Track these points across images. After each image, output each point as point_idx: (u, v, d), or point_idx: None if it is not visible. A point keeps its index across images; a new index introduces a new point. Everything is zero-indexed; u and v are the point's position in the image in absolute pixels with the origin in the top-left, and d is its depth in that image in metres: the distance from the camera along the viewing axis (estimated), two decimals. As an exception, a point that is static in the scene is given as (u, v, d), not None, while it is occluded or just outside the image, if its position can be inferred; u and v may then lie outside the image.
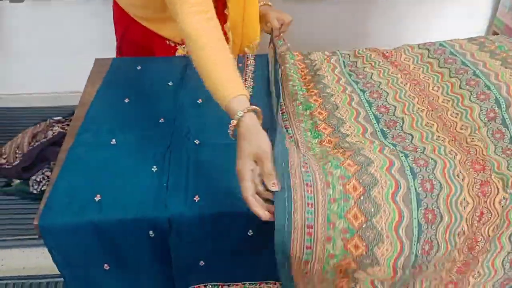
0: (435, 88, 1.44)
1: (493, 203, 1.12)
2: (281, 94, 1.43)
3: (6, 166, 2.21)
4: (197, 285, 1.21)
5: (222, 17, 1.58)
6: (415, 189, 1.07)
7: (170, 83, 1.47)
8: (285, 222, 1.00)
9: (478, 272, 1.24)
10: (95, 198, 1.06)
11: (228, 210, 1.08)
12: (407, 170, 1.10)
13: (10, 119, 2.50)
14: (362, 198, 1.05)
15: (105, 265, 1.12)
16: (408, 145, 1.22)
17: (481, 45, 1.54)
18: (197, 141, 1.25)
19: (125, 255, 1.11)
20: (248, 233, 1.11)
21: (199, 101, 1.40)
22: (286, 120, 1.34)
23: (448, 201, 1.10)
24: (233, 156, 1.21)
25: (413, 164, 1.12)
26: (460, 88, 1.39)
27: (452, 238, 1.14)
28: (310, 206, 1.03)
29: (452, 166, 1.14)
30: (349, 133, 1.26)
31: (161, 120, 1.31)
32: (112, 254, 1.10)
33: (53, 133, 2.29)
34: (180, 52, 1.59)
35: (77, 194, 1.08)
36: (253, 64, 1.59)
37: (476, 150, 1.21)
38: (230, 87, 1.09)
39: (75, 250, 1.08)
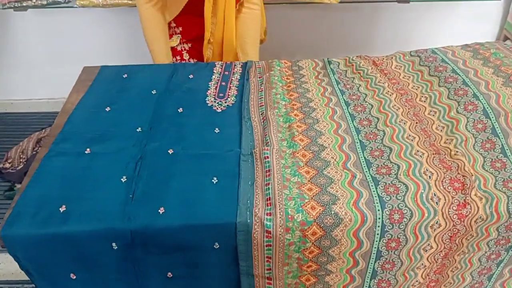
0: (423, 99, 1.39)
1: (470, 223, 1.08)
2: (263, 104, 1.43)
3: (11, 170, 2.25)
4: (168, 297, 1.19)
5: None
6: (382, 221, 1.07)
7: (154, 91, 1.46)
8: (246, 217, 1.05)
9: (455, 267, 1.22)
10: (60, 209, 1.06)
11: (194, 222, 1.06)
12: (376, 202, 1.09)
13: (17, 124, 2.55)
14: (322, 240, 1.06)
15: (72, 274, 1.11)
16: (384, 162, 1.19)
17: (475, 52, 1.49)
18: (171, 151, 1.24)
19: (91, 266, 1.10)
20: (215, 246, 1.09)
21: (180, 110, 1.39)
22: (266, 128, 1.32)
23: (417, 227, 1.07)
24: (206, 167, 1.21)
25: (383, 193, 1.11)
26: (448, 98, 1.34)
27: (417, 254, 1.12)
28: (268, 215, 1.05)
29: (425, 189, 1.10)
30: (326, 145, 1.24)
31: (139, 129, 1.31)
32: (78, 265, 1.10)
33: (57, 138, 2.32)
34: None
35: (44, 204, 1.07)
36: (240, 72, 1.57)
37: (458, 165, 1.17)
38: None
39: (40, 259, 1.08)
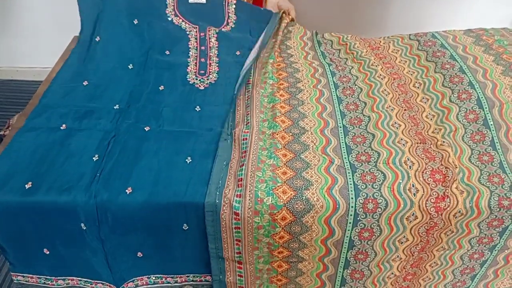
0: (416, 85, 1.33)
1: (448, 217, 1.03)
2: (250, 82, 1.39)
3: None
4: (140, 277, 1.19)
5: None
6: (355, 210, 1.03)
7: (131, 66, 1.42)
8: (215, 198, 1.03)
9: (435, 262, 1.19)
10: (26, 186, 1.05)
11: (162, 202, 1.05)
12: (351, 189, 1.05)
13: (21, 92, 2.56)
14: (292, 225, 1.04)
15: (45, 249, 1.11)
16: (365, 150, 1.15)
17: (478, 38, 1.42)
18: (147, 128, 1.22)
19: (63, 243, 1.10)
20: (184, 227, 1.07)
21: (161, 88, 1.36)
22: (248, 107, 1.28)
23: (392, 218, 1.03)
24: (181, 145, 1.18)
25: (359, 181, 1.07)
26: (443, 85, 1.28)
27: (392, 246, 1.09)
28: (238, 197, 1.04)
29: (403, 180, 1.06)
30: (308, 129, 1.20)
31: (116, 106, 1.28)
32: (50, 241, 1.10)
33: (59, 108, 2.32)
34: None
35: (12, 179, 1.07)
36: (216, 46, 1.52)
37: (443, 156, 1.12)
38: None
39: (11, 232, 1.08)
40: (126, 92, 1.32)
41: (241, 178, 1.06)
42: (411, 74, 1.36)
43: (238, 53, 1.49)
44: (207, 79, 1.39)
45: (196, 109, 1.28)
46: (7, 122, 2.27)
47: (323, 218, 1.02)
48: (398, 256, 1.12)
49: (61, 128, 1.20)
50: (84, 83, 1.34)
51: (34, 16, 2.43)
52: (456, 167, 1.09)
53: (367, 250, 1.08)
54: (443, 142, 1.15)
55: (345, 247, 1.07)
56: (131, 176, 1.08)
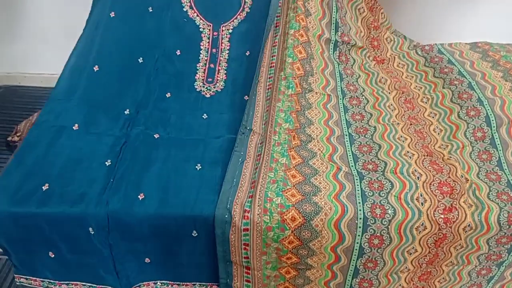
0: (424, 100, 1.35)
1: (458, 230, 1.04)
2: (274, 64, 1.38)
3: (19, 144, 2.27)
4: (146, 282, 1.20)
5: None
6: (364, 214, 1.04)
7: (141, 60, 1.43)
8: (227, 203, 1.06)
9: (443, 278, 1.19)
10: (43, 187, 1.07)
11: (173, 212, 1.06)
12: (358, 195, 1.07)
13: (29, 98, 2.58)
14: (302, 229, 1.05)
15: (50, 253, 1.12)
16: (372, 159, 1.16)
17: (484, 53, 1.43)
18: (156, 135, 1.24)
19: (69, 248, 1.11)
20: (193, 234, 1.08)
21: (168, 95, 1.38)
22: (269, 99, 1.30)
23: (401, 227, 1.04)
24: (190, 153, 1.20)
25: (367, 188, 1.08)
26: (451, 101, 1.30)
27: (401, 256, 1.10)
28: (249, 197, 1.05)
29: (411, 189, 1.07)
30: (314, 137, 1.22)
31: (127, 111, 1.30)
32: (56, 245, 1.11)
33: (66, 114, 2.33)
34: None
35: (26, 181, 1.09)
36: (228, 47, 1.53)
37: (450, 169, 1.12)
38: None
39: (17, 238, 1.09)
40: (135, 98, 1.35)
41: (254, 181, 1.09)
42: (419, 90, 1.37)
43: (247, 53, 1.51)
44: (214, 87, 1.41)
45: (203, 116, 1.31)
46: (15, 128, 2.30)
47: (333, 222, 1.02)
48: (406, 267, 1.12)
49: (74, 128, 1.22)
50: (95, 68, 1.34)
51: (42, 22, 2.46)
52: (468, 180, 1.09)
53: (376, 259, 1.08)
54: (450, 157, 1.16)
55: (355, 254, 1.08)
56: (142, 183, 1.11)
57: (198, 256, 1.14)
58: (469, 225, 1.04)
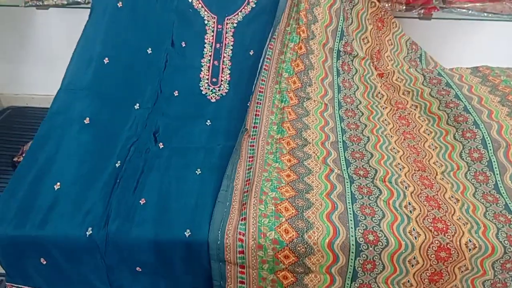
0: (421, 118, 1.36)
1: (460, 246, 1.02)
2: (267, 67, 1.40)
3: (25, 163, 2.30)
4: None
5: None
6: (353, 211, 1.07)
7: (149, 51, 1.44)
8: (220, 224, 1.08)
9: (456, 285, 1.16)
10: (55, 187, 1.11)
11: (167, 239, 1.09)
12: (348, 196, 1.10)
13: (36, 119, 2.61)
14: (294, 218, 1.07)
15: (42, 259, 1.13)
16: (363, 165, 1.18)
17: (484, 78, 1.44)
18: (161, 145, 1.27)
19: (62, 256, 1.12)
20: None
21: (175, 93, 1.40)
22: (260, 104, 1.32)
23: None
24: (191, 159, 1.23)
25: (356, 191, 1.11)
26: (447, 123, 1.30)
27: (402, 264, 1.07)
28: (242, 220, 1.08)
29: (399, 197, 1.09)
30: (310, 141, 1.25)
31: (136, 106, 1.33)
32: (49, 253, 1.12)
33: (71, 135, 2.35)
34: None
35: (43, 179, 1.13)
36: (232, 42, 1.54)
37: (440, 188, 1.13)
38: None
39: (13, 253, 1.11)
40: (144, 93, 1.38)
41: (249, 179, 1.14)
42: (415, 108, 1.38)
43: (251, 52, 1.53)
44: (219, 90, 1.43)
45: (207, 123, 1.33)
46: (21, 148, 2.32)
47: (326, 242, 1.03)
48: (408, 281, 1.10)
49: (85, 122, 1.24)
50: (105, 60, 1.36)
51: (50, 46, 2.50)
52: (459, 201, 1.09)
53: (370, 283, 1.08)
54: (442, 178, 1.17)
55: (348, 277, 1.08)
56: (144, 188, 1.15)
57: (192, 266, 1.15)
58: (470, 241, 1.02)
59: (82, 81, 1.33)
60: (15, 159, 2.32)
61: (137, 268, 1.15)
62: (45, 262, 1.13)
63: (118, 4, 1.46)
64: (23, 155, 2.36)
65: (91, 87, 1.31)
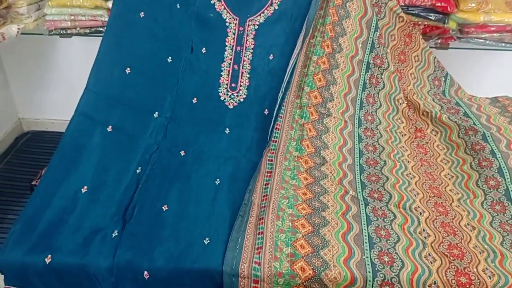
0: (440, 147, 1.35)
1: (477, 270, 0.99)
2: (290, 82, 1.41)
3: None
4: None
5: None
6: (368, 233, 1.08)
7: (170, 59, 1.46)
8: (236, 245, 1.08)
9: None
10: (82, 189, 1.15)
11: (181, 263, 1.09)
12: (363, 217, 1.12)
13: (55, 143, 2.59)
14: (310, 234, 1.09)
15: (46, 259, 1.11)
16: (378, 188, 1.17)
17: (503, 108, 1.43)
18: (182, 152, 1.27)
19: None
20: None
21: (194, 100, 1.41)
22: (280, 117, 1.32)
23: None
24: (211, 168, 1.23)
25: (370, 213, 1.13)
26: (465, 152, 1.29)
27: None
28: (259, 234, 1.10)
29: (414, 224, 1.10)
30: (328, 160, 1.25)
31: (155, 114, 1.34)
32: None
33: (88, 159, 2.37)
34: None
35: (68, 183, 1.16)
36: (252, 46, 1.55)
37: (455, 216, 1.12)
38: None
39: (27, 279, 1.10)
40: (164, 101, 1.41)
41: (266, 195, 1.16)
42: (435, 134, 1.37)
43: (271, 57, 1.52)
44: (237, 96, 1.43)
45: (225, 131, 1.33)
46: (39, 172, 2.35)
47: (341, 260, 1.04)
48: None
49: (108, 130, 1.28)
50: (126, 70, 1.38)
51: (71, 72, 2.57)
52: (475, 228, 1.07)
53: None
54: (458, 205, 1.15)
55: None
56: (167, 195, 1.18)
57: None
58: (486, 269, 0.99)
59: (105, 89, 1.37)
60: (33, 182, 2.35)
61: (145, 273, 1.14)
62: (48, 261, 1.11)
63: (140, 14, 1.48)
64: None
65: (113, 96, 1.35)
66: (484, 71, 2.38)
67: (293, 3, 1.57)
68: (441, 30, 1.87)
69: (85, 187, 1.16)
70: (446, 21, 1.85)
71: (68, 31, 2.06)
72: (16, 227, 1.12)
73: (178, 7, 1.54)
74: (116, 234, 1.13)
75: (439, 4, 1.78)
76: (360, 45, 1.52)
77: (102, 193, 1.17)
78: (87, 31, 2.07)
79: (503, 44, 1.93)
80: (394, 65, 1.54)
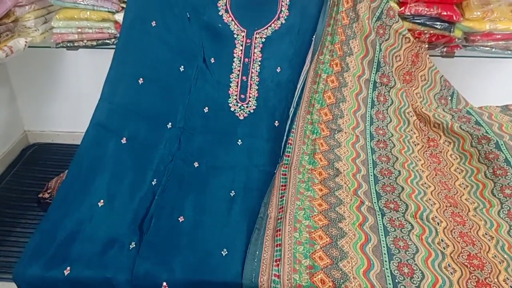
0: (454, 156, 1.35)
1: (498, 281, 0.99)
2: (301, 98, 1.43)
3: (49, 201, 2.31)
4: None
5: None
6: (386, 244, 1.08)
7: (182, 68, 1.46)
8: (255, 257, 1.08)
9: None
10: (99, 203, 1.16)
11: (200, 273, 1.08)
12: (380, 228, 1.11)
13: (61, 155, 2.66)
14: (328, 246, 1.09)
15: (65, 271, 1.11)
16: (394, 198, 1.17)
17: (514, 116, 1.43)
18: (196, 164, 1.28)
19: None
20: None
21: (206, 109, 1.42)
22: (293, 132, 1.33)
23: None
24: (225, 179, 1.23)
25: (388, 224, 1.12)
26: (479, 161, 1.29)
27: None
28: (277, 246, 1.10)
29: (431, 234, 1.09)
30: (342, 171, 1.26)
31: (169, 125, 1.35)
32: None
33: (95, 171, 2.37)
34: None
35: (88, 195, 1.16)
36: (260, 57, 1.56)
37: (473, 225, 1.11)
38: None
39: None
40: (177, 111, 1.42)
41: (282, 207, 1.16)
42: (448, 145, 1.37)
43: (278, 69, 1.54)
44: (247, 107, 1.44)
45: (238, 142, 1.34)
46: (46, 184, 2.35)
47: (361, 271, 1.03)
48: None
49: (122, 142, 1.28)
50: (140, 80, 1.39)
51: (78, 84, 2.58)
52: (493, 238, 1.07)
53: None
54: (475, 215, 1.15)
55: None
56: (183, 206, 1.19)
57: None
58: (507, 278, 0.99)
59: (120, 100, 1.37)
60: (40, 195, 2.35)
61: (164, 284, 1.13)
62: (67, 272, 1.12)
63: (152, 23, 1.49)
64: (48, 191, 2.39)
65: (127, 106, 1.36)
66: (490, 79, 2.38)
67: (300, 18, 1.59)
68: (447, 38, 1.88)
69: (102, 200, 1.16)
70: (452, 29, 1.86)
71: (75, 44, 2.07)
72: (33, 240, 1.12)
73: (189, 16, 1.55)
74: (134, 245, 1.13)
75: (445, 13, 1.79)
76: (366, 65, 1.54)
77: (117, 204, 1.18)
78: (94, 43, 2.08)
79: (509, 52, 1.93)
80: (400, 83, 1.55)
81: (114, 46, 2.15)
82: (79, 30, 2.01)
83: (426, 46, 1.69)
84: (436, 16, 1.81)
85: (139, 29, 1.47)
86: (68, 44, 2.07)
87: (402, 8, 1.78)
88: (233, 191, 1.25)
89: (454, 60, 2.23)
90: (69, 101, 2.63)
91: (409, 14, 1.80)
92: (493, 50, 1.93)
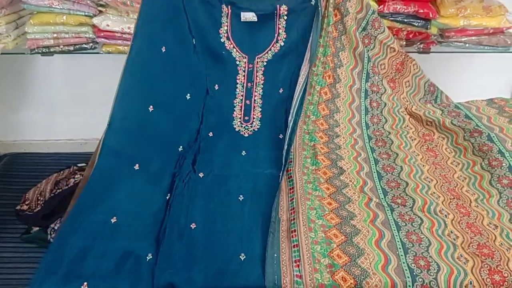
0: (448, 150, 1.40)
1: (509, 267, 1.03)
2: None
3: (28, 213, 2.23)
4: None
5: None
6: (400, 239, 1.10)
7: (188, 96, 1.48)
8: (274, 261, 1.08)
9: None
10: (112, 220, 1.15)
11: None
12: (392, 223, 1.14)
13: (35, 165, 2.57)
14: (344, 243, 1.10)
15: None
16: (400, 194, 1.21)
17: (500, 109, 1.49)
18: (201, 174, 1.28)
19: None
20: None
21: (210, 134, 1.47)
22: (290, 145, 1.39)
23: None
24: (232, 186, 1.26)
25: (398, 219, 1.15)
26: (473, 154, 1.34)
27: None
28: (295, 246, 1.10)
29: (441, 226, 1.13)
30: (345, 169, 1.28)
31: (180, 148, 1.39)
32: None
33: (75, 181, 2.31)
34: None
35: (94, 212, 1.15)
36: (262, 81, 1.60)
37: (477, 216, 1.16)
38: None
39: None
40: (185, 138, 1.44)
41: (293, 208, 1.18)
42: (442, 139, 1.42)
43: (281, 90, 1.58)
44: (251, 126, 1.47)
45: (242, 153, 1.36)
46: (23, 196, 2.27)
47: (379, 267, 1.05)
48: None
49: (135, 168, 1.29)
50: (150, 108, 1.38)
51: (51, 91, 2.50)
52: (497, 227, 1.11)
53: None
54: (477, 206, 1.19)
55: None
56: (193, 213, 1.21)
57: None
58: None
59: (130, 125, 1.35)
60: (18, 207, 2.27)
61: None
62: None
63: (162, 49, 1.47)
64: (26, 202, 2.31)
65: (139, 133, 1.34)
66: (464, 73, 2.47)
67: (297, 37, 1.62)
68: (423, 35, 1.94)
69: (115, 217, 1.16)
70: (428, 26, 1.92)
71: (51, 49, 2.00)
72: (45, 260, 1.08)
73: (194, 43, 1.56)
74: (151, 257, 1.11)
75: (422, 11, 1.85)
76: (356, 76, 1.60)
77: (131, 219, 1.17)
78: (71, 48, 2.02)
79: (481, 47, 2.01)
80: (391, 90, 1.60)
81: (91, 51, 2.10)
82: (55, 35, 1.94)
83: (405, 33, 1.73)
84: (413, 13, 1.87)
85: (149, 54, 1.45)
86: (44, 50, 2.00)
87: (381, 7, 1.83)
88: (241, 196, 1.26)
89: (430, 56, 2.30)
90: (42, 109, 2.55)
91: (387, 12, 1.85)
92: (467, 45, 2.01)
